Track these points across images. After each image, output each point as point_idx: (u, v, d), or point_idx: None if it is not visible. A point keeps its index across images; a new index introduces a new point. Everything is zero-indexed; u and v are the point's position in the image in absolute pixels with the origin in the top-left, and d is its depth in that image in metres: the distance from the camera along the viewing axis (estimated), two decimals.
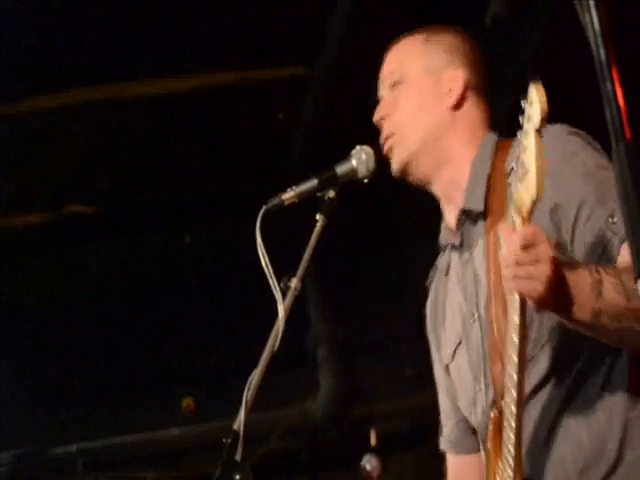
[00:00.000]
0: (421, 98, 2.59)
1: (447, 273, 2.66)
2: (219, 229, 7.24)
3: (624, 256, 2.20)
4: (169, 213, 7.10)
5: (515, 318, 2.12)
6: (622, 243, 2.22)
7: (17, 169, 6.35)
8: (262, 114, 6.41)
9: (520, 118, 2.06)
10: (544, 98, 1.99)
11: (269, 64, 6.11)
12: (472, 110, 2.60)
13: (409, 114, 2.58)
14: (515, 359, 2.14)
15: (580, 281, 2.12)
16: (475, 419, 2.52)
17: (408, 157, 2.57)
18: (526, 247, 2.03)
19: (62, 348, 6.95)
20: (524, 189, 2.02)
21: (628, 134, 1.48)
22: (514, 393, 2.16)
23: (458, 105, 2.58)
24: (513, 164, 2.35)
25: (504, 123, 2.53)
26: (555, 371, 2.35)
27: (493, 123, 2.68)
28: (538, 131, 2.00)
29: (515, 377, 2.15)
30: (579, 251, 2.30)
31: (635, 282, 1.46)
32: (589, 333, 2.21)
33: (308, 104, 6.26)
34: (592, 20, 1.52)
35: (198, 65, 6.00)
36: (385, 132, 2.61)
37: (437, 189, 2.60)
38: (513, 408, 2.18)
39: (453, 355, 2.61)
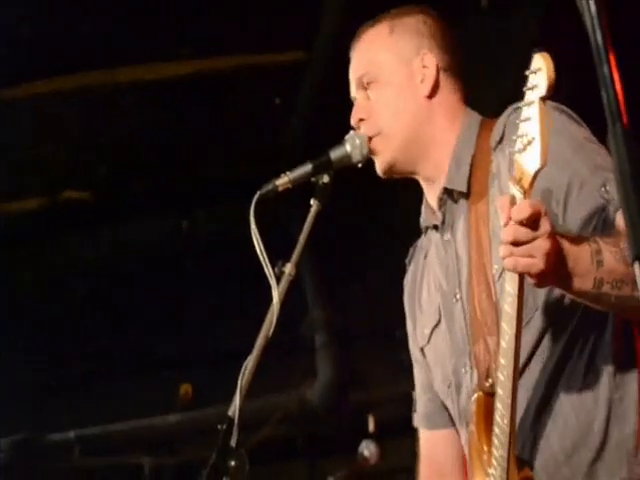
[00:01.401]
0: (396, 94, 2.55)
1: (426, 255, 2.65)
2: (216, 215, 7.25)
3: (620, 224, 2.19)
4: (166, 199, 7.10)
5: (510, 289, 2.10)
6: (617, 212, 2.21)
7: (12, 155, 6.34)
8: (259, 99, 6.41)
9: (523, 88, 2.02)
10: (551, 66, 1.95)
11: (266, 49, 6.10)
12: (448, 93, 2.57)
13: (388, 113, 2.55)
14: (510, 331, 2.12)
15: (580, 252, 2.11)
16: (457, 400, 2.51)
17: (393, 157, 2.54)
18: (526, 222, 2.02)
19: (59, 335, 6.96)
20: (527, 160, 1.98)
21: (625, 119, 1.47)
22: (510, 370, 2.15)
23: (433, 92, 2.55)
24: (499, 138, 2.32)
25: (499, 105, 2.51)
26: (540, 351, 2.34)
27: (488, 105, 2.65)
28: (543, 99, 1.96)
29: (510, 350, 2.13)
30: (573, 221, 2.28)
31: (632, 264, 1.45)
32: (591, 303, 2.20)
33: (305, 89, 6.25)
34: (588, 3, 1.51)
35: (194, 50, 5.99)
36: (368, 134, 2.56)
37: (422, 176, 2.58)
38: (508, 384, 2.16)
39: (429, 337, 2.60)
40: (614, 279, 2.13)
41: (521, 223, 2.02)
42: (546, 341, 2.35)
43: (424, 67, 2.56)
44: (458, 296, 2.48)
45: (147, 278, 7.10)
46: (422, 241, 2.70)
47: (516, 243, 2.04)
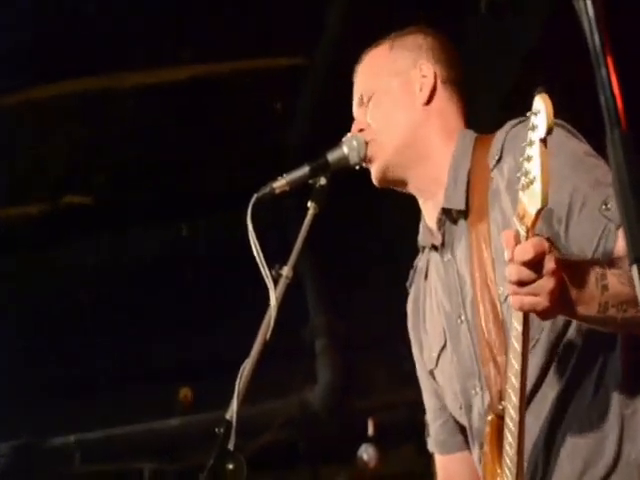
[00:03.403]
0: (393, 102, 2.56)
1: (426, 275, 2.63)
2: (215, 220, 7.24)
3: (621, 243, 2.19)
4: (166, 203, 7.10)
5: (518, 327, 2.11)
6: (618, 229, 2.20)
7: (13, 161, 6.35)
8: (259, 104, 6.41)
9: (526, 129, 2.04)
10: (550, 108, 1.98)
11: (266, 54, 6.11)
12: (445, 103, 2.56)
13: (384, 121, 2.55)
14: (517, 367, 2.12)
15: (584, 278, 2.10)
16: (470, 422, 2.50)
17: (387, 160, 2.53)
18: (530, 263, 2.01)
19: (60, 339, 6.96)
20: (528, 199, 2.01)
21: (623, 123, 1.47)
22: (515, 399, 2.15)
23: (430, 99, 2.55)
24: (497, 156, 2.32)
25: (498, 108, 2.52)
26: (549, 375, 2.33)
27: (487, 108, 2.66)
28: (543, 141, 1.99)
29: (516, 384, 2.14)
30: (575, 240, 2.27)
31: (630, 267, 1.45)
32: (597, 326, 2.19)
33: (305, 94, 6.25)
34: (586, 6, 1.51)
35: (195, 55, 5.99)
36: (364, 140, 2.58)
37: (415, 187, 2.55)
38: (514, 414, 2.17)
39: (437, 360, 2.58)
40: (619, 302, 2.11)
41: (524, 264, 2.03)
42: (554, 363, 2.34)
43: (423, 76, 2.57)
44: (463, 317, 2.47)
45: (147, 283, 7.10)
46: (420, 261, 2.68)
47: (520, 283, 2.04)
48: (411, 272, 2.73)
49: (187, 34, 5.76)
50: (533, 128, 2.01)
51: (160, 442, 7.09)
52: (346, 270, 7.17)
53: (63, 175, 6.69)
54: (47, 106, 6.06)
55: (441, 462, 2.73)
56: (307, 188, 2.49)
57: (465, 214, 2.45)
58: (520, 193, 2.03)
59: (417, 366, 2.73)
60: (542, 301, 2.03)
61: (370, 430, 6.60)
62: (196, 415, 6.98)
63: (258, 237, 2.36)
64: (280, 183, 2.48)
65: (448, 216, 2.49)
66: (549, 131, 1.97)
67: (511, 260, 2.04)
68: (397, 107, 2.56)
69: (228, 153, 6.67)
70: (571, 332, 2.33)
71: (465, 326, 2.46)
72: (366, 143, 2.54)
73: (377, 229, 7.12)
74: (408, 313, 2.75)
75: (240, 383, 2.30)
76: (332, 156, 2.53)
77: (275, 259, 2.42)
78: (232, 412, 2.27)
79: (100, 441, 7.00)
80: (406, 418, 7.23)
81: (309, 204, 2.47)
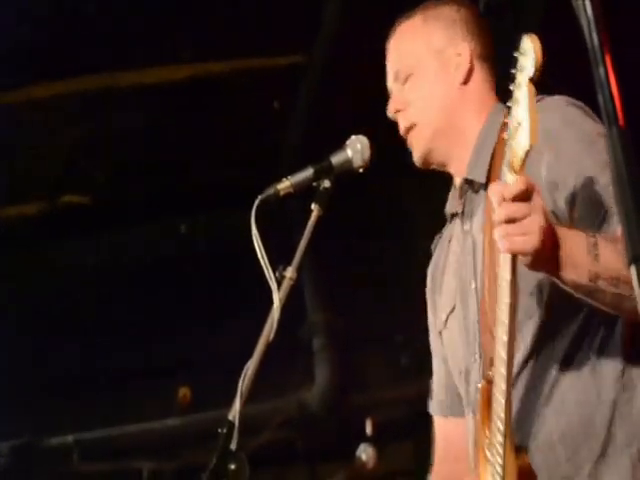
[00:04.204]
0: (431, 83, 2.58)
1: (450, 240, 2.65)
2: (214, 219, 7.25)
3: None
4: (165, 203, 7.09)
5: (506, 276, 2.10)
6: None
7: (11, 159, 6.34)
8: (257, 103, 6.41)
9: (512, 70, 2.04)
10: (538, 47, 1.97)
11: (264, 53, 6.11)
12: (481, 81, 2.59)
13: (423, 103, 2.57)
14: (506, 321, 2.12)
15: (576, 242, 2.11)
16: (467, 388, 2.52)
17: (427, 146, 2.57)
18: (518, 199, 2.01)
19: (58, 338, 6.96)
20: (517, 143, 2.00)
21: (621, 120, 1.48)
22: (504, 355, 2.14)
23: (467, 79, 2.57)
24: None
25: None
26: (547, 341, 2.34)
27: None
28: (532, 81, 1.98)
29: (505, 339, 2.12)
30: (579, 218, 2.28)
31: (628, 266, 1.45)
32: (586, 297, 2.18)
33: (303, 93, 6.25)
34: (584, 5, 1.52)
35: (193, 54, 5.99)
36: (404, 125, 2.60)
37: (454, 167, 2.61)
38: (503, 371, 2.16)
39: (446, 322, 2.61)
40: (610, 276, 2.12)
41: (513, 199, 2.02)
42: (552, 334, 2.35)
43: (458, 54, 2.59)
44: (473, 286, 2.49)
45: (146, 282, 7.10)
46: (446, 229, 2.70)
47: (510, 221, 2.04)
48: (436, 237, 2.75)
49: (186, 34, 5.75)
50: (520, 69, 2.00)
51: (159, 441, 7.09)
52: (344, 268, 7.17)
53: (61, 174, 6.68)
54: (46, 105, 6.05)
55: (440, 424, 2.74)
56: (311, 190, 2.50)
57: (485, 187, 2.46)
58: (509, 140, 2.03)
59: (430, 332, 2.75)
60: (532, 239, 2.03)
61: (368, 430, 6.60)
62: (195, 415, 6.98)
63: (261, 238, 2.37)
64: (284, 185, 2.50)
65: (471, 186, 2.53)
66: (537, 70, 1.97)
67: (500, 203, 2.04)
68: (435, 89, 2.59)
69: (227, 152, 6.67)
70: (571, 310, 2.33)
71: (474, 293, 2.49)
72: (406, 130, 2.57)
73: (376, 225, 7.12)
74: (428, 276, 2.77)
75: (243, 384, 2.31)
76: (336, 159, 2.55)
77: (276, 260, 2.43)
78: (235, 413, 2.27)
79: (99, 440, 7.00)
80: (404, 416, 7.24)
81: (313, 206, 2.48)
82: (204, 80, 6.14)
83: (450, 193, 2.65)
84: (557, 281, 2.17)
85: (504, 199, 2.04)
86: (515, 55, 2.03)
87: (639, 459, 2.31)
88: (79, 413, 6.94)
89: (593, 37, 1.50)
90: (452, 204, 2.63)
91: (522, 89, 1.99)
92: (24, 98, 5.97)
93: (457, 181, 2.61)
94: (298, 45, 6.00)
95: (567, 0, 1.55)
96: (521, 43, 2.02)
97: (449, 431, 2.70)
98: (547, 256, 2.08)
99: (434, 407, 2.75)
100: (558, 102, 2.45)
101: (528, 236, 2.03)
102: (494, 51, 2.65)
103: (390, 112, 2.63)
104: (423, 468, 2.83)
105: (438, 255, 2.73)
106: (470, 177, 2.52)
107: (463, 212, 2.56)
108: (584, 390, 2.33)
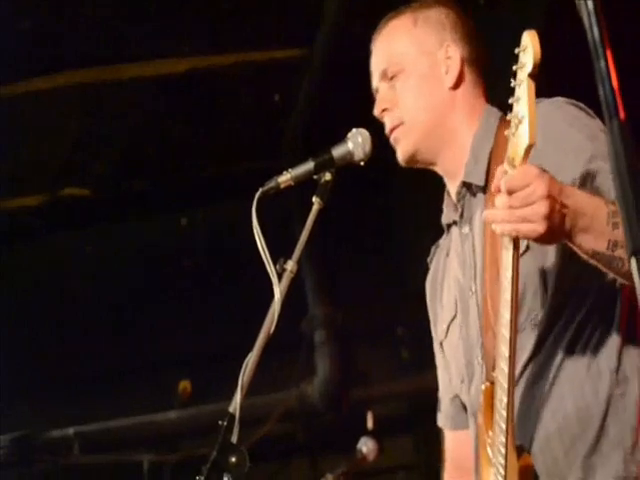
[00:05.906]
0: (420, 85, 2.58)
1: (448, 253, 2.66)
2: (215, 211, 7.25)
3: None
4: (165, 196, 7.09)
5: (508, 274, 2.11)
6: None
7: (12, 152, 6.34)
8: (258, 96, 6.41)
9: (514, 67, 2.05)
10: (537, 44, 1.98)
11: (265, 46, 6.10)
12: (471, 85, 2.59)
13: (411, 103, 2.57)
14: (507, 318, 2.12)
15: (596, 212, 2.10)
16: (468, 393, 2.52)
17: (414, 146, 2.57)
18: (517, 188, 2.02)
19: (59, 331, 6.96)
20: (517, 140, 2.01)
21: (622, 113, 1.48)
22: (506, 352, 2.15)
23: (457, 84, 2.58)
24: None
25: (499, 106, 2.52)
26: (548, 341, 2.35)
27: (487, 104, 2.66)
28: (531, 77, 1.99)
29: (507, 335, 2.13)
30: None
31: (628, 259, 1.46)
32: (603, 266, 2.17)
33: (304, 86, 6.25)
34: (586, 0, 1.52)
35: (194, 47, 5.98)
36: (390, 124, 2.59)
37: (442, 169, 2.60)
38: (505, 368, 2.17)
39: (447, 331, 2.61)
40: None
41: (514, 191, 2.03)
42: (553, 334, 2.35)
43: (448, 58, 2.59)
44: (473, 289, 2.49)
45: (146, 275, 7.11)
46: (444, 240, 2.70)
47: (511, 211, 2.04)
48: (433, 248, 2.76)
49: (185, 27, 5.75)
50: (521, 66, 2.01)
51: (159, 434, 7.10)
52: (345, 261, 7.18)
53: (62, 167, 6.68)
54: (46, 98, 6.05)
55: (450, 437, 2.76)
56: (311, 182, 2.50)
57: (484, 190, 2.47)
58: (511, 137, 2.04)
59: (434, 344, 2.74)
60: (537, 227, 2.04)
61: (369, 423, 6.60)
62: (195, 408, 6.98)
63: (262, 231, 2.37)
64: (285, 178, 2.50)
65: (469, 190, 2.53)
66: (536, 66, 1.98)
67: (498, 198, 2.05)
68: (425, 90, 2.58)
69: (228, 145, 6.67)
70: (572, 308, 2.35)
71: (474, 297, 2.49)
72: (392, 129, 2.56)
73: (377, 219, 7.12)
74: (427, 288, 2.77)
75: (244, 377, 2.31)
76: (337, 152, 2.54)
77: (275, 252, 2.43)
78: (235, 406, 2.28)
79: (99, 433, 7.00)
80: (404, 410, 7.25)
81: (314, 199, 2.48)
82: (204, 73, 6.13)
83: (444, 203, 2.64)
84: (575, 249, 2.17)
85: (505, 191, 2.04)
86: (516, 52, 2.04)
87: (632, 453, 2.32)
88: (80, 405, 6.94)
89: (594, 31, 1.51)
90: (448, 215, 2.62)
91: (523, 86, 2.00)
92: (24, 91, 5.97)
93: (451, 188, 2.60)
94: (299, 38, 5.99)
95: None
96: (521, 39, 2.03)
97: (458, 445, 2.72)
98: (558, 235, 2.08)
99: (442, 420, 2.76)
100: (557, 102, 2.46)
101: (532, 225, 2.04)
102: (483, 54, 2.65)
103: (377, 112, 2.62)
104: (425, 462, 2.84)
105: (435, 267, 2.73)
106: (468, 180, 2.52)
107: (462, 216, 2.55)
108: (581, 386, 2.34)
